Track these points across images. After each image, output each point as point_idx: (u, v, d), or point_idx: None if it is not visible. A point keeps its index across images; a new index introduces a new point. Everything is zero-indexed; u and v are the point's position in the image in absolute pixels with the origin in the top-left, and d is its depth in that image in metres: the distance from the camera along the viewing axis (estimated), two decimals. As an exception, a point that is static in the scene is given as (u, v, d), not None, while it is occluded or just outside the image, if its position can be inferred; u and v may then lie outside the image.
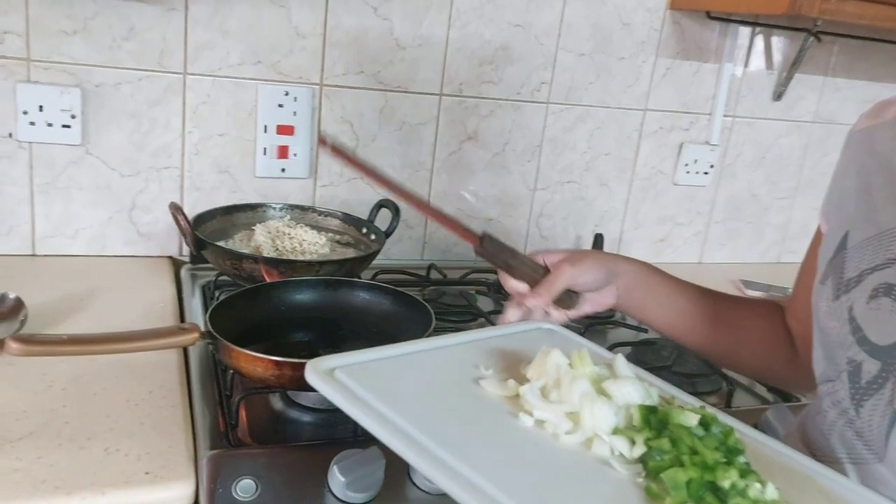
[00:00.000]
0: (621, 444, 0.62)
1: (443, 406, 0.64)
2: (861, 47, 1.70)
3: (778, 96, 1.69)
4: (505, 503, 0.51)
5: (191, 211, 1.28)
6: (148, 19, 1.23)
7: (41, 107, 1.20)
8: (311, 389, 0.86)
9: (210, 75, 1.29)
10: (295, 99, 1.34)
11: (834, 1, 1.25)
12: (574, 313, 0.88)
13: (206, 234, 1.17)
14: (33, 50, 1.19)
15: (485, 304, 1.31)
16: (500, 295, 1.36)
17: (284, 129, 1.35)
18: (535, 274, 0.86)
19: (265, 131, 1.34)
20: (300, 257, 1.13)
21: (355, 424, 0.83)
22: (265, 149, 1.35)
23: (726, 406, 1.07)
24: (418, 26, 1.38)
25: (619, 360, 0.73)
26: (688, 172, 1.68)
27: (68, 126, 1.23)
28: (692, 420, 0.63)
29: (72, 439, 0.78)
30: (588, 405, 0.64)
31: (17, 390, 0.86)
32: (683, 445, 0.60)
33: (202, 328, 0.85)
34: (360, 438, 0.83)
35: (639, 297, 0.91)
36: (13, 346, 0.71)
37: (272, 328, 0.97)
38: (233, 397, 0.89)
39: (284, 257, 1.11)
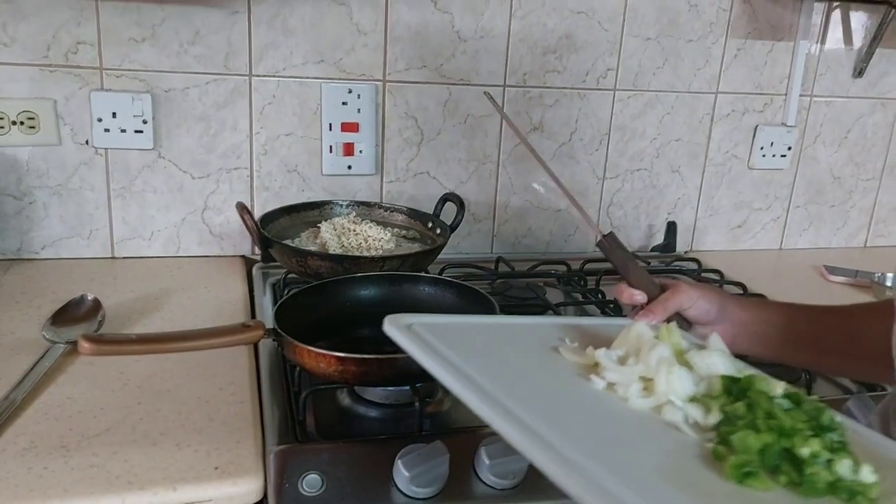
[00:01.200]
0: (695, 412, 0.61)
1: (517, 366, 0.64)
2: (951, 17, 1.60)
3: (859, 73, 1.61)
4: (562, 451, 0.50)
5: (261, 210, 1.31)
6: (212, 23, 1.26)
7: (114, 113, 1.24)
8: (376, 384, 0.87)
9: (275, 76, 1.31)
10: (358, 96, 1.34)
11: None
12: None
13: (273, 232, 1.18)
14: (105, 59, 1.23)
15: (554, 296, 1.29)
16: (570, 286, 1.34)
17: (349, 127, 1.35)
18: (652, 286, 0.85)
19: (330, 129, 1.35)
20: (365, 253, 1.13)
21: (419, 420, 0.84)
22: (331, 147, 1.36)
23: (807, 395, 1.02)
24: (479, 18, 1.37)
25: (714, 336, 0.71)
26: (764, 156, 1.61)
27: (141, 131, 1.26)
28: (777, 389, 0.61)
29: (145, 436, 0.80)
30: (664, 370, 0.63)
31: (95, 388, 0.89)
32: (760, 410, 0.57)
33: (257, 323, 0.86)
34: (426, 433, 0.83)
35: (744, 347, 0.86)
36: (84, 345, 0.74)
37: (338, 324, 0.98)
38: (300, 393, 0.90)
39: (350, 254, 1.12)
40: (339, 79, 1.34)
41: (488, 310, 0.94)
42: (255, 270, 1.30)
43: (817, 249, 1.72)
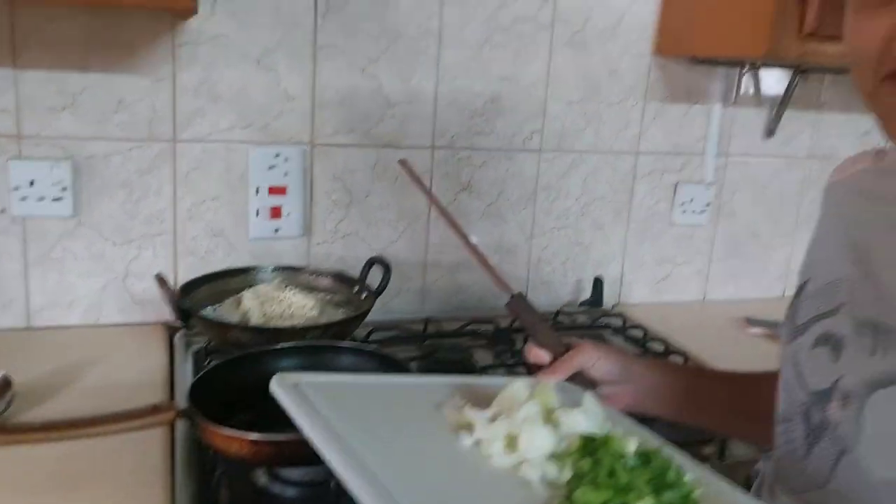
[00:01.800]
0: (552, 469, 0.63)
1: (395, 426, 0.66)
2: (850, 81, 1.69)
3: (770, 133, 1.68)
4: None
5: (185, 276, 1.29)
6: (137, 91, 1.25)
7: (32, 181, 1.22)
8: (292, 465, 0.86)
9: (200, 141, 1.31)
10: (286, 160, 1.35)
11: (813, 42, 1.25)
12: None
13: (196, 300, 1.17)
14: (24, 126, 1.21)
15: (483, 357, 1.30)
16: (500, 347, 1.35)
17: (277, 190, 1.36)
18: (558, 346, 0.87)
19: (257, 193, 1.35)
20: (288, 322, 1.13)
21: (336, 499, 0.83)
22: (258, 210, 1.36)
23: (719, 456, 1.05)
24: (407, 83, 1.39)
25: (587, 397, 0.73)
26: (684, 212, 1.67)
27: (60, 199, 1.24)
28: (629, 447, 0.63)
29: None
30: (528, 428, 0.65)
31: (4, 477, 0.86)
32: (603, 468, 0.60)
33: (169, 404, 0.85)
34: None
35: (648, 407, 0.89)
36: (-13, 435, 0.71)
37: (260, 397, 0.97)
38: (214, 473, 0.88)
39: (272, 324, 1.11)
40: (267, 143, 1.34)
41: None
42: (177, 338, 1.28)
43: (738, 301, 1.78)
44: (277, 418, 0.80)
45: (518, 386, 0.71)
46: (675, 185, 1.65)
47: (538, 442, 0.64)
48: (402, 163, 0.96)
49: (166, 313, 1.34)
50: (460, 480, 0.61)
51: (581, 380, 0.86)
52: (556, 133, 1.52)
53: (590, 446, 0.63)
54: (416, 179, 0.94)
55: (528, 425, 0.65)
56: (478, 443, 0.65)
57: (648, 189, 1.63)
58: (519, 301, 0.88)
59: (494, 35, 1.43)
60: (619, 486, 0.58)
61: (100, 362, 1.17)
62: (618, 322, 1.49)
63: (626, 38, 1.51)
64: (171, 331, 1.32)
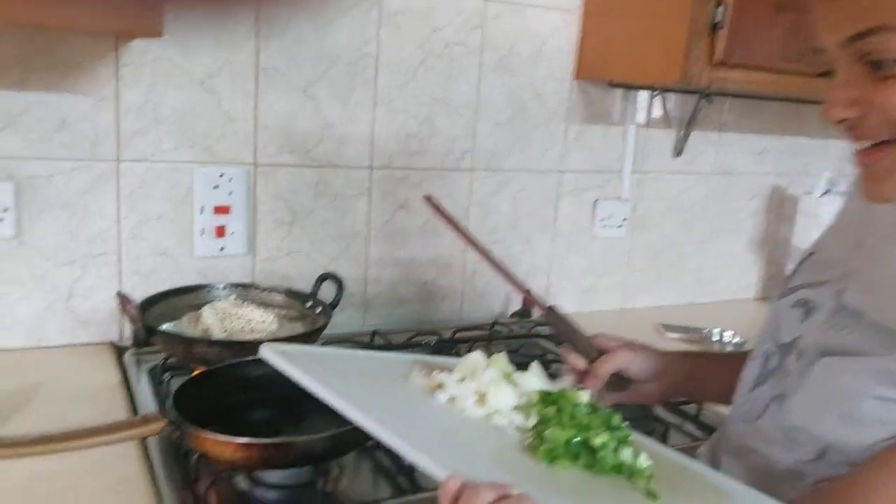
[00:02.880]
0: (518, 418, 0.76)
1: (372, 388, 0.77)
2: (749, 105, 1.86)
3: (678, 152, 1.83)
4: (415, 442, 0.63)
5: (133, 295, 1.28)
6: (79, 111, 1.25)
7: (-27, 203, 1.20)
8: (279, 467, 0.89)
9: (144, 160, 1.31)
10: (230, 179, 1.37)
11: (722, 70, 1.38)
12: (621, 398, 0.95)
13: (151, 319, 1.17)
14: (-37, 146, 1.19)
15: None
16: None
17: (221, 209, 1.37)
18: (592, 352, 0.93)
19: (202, 212, 1.36)
20: (249, 336, 1.15)
21: (322, 500, 0.87)
22: (203, 229, 1.37)
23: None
24: (345, 105, 1.44)
25: (534, 365, 0.86)
26: (605, 226, 1.78)
27: (1, 219, 1.22)
28: (582, 398, 0.78)
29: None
30: (494, 387, 0.78)
31: (-26, 495, 0.85)
32: (566, 413, 0.74)
33: (158, 414, 0.86)
34: (331, 511, 0.86)
35: (683, 393, 1.01)
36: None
37: (233, 409, 0.99)
38: (198, 482, 0.90)
39: (234, 338, 1.13)
40: (212, 163, 1.36)
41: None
42: (127, 357, 1.27)
43: (655, 308, 1.91)
44: (252, 431, 0.84)
45: (476, 356, 0.83)
46: (595, 202, 1.76)
47: (504, 397, 0.77)
48: (428, 199, 0.97)
49: (112, 333, 1.34)
50: (446, 427, 0.73)
51: (616, 379, 0.93)
52: (487, 152, 1.61)
53: (550, 398, 0.77)
54: (445, 215, 0.94)
55: (494, 384, 0.78)
56: (451, 399, 0.77)
57: (573, 205, 1.74)
58: (553, 313, 0.94)
59: (428, 59, 1.50)
60: (581, 425, 0.72)
61: (51, 384, 1.15)
62: (547, 331, 1.57)
63: (549, 62, 1.62)
64: (118, 350, 1.31)
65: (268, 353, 0.76)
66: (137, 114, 1.29)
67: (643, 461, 0.72)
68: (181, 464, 0.94)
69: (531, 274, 1.73)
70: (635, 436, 0.82)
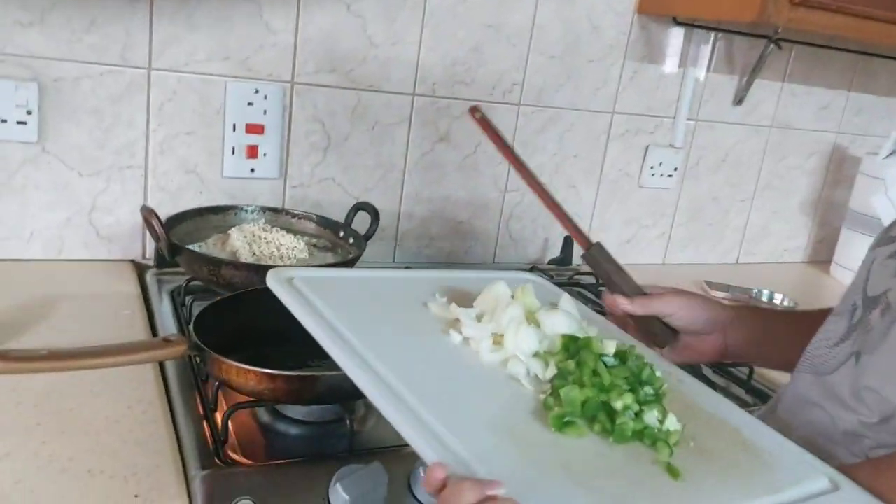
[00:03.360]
0: (536, 366, 0.68)
1: (384, 320, 0.70)
2: (816, 55, 1.74)
3: (739, 101, 1.72)
4: (410, 401, 0.58)
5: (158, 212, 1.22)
6: (110, 12, 1.17)
7: (-6, 102, 1.13)
8: (307, 402, 0.84)
9: (176, 71, 1.24)
10: (265, 97, 1.29)
11: (801, 10, 1.27)
12: (669, 354, 0.86)
13: (176, 237, 1.11)
14: (-14, 41, 1.12)
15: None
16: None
17: (254, 128, 1.30)
18: (638, 292, 0.85)
19: (234, 130, 1.29)
20: (279, 262, 1.09)
21: (350, 439, 0.81)
22: (233, 148, 1.30)
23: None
24: (391, 24, 1.35)
25: (564, 297, 0.79)
26: (653, 175, 1.69)
27: (24, 122, 1.16)
28: (608, 349, 0.69)
29: (51, 460, 0.73)
30: (513, 328, 0.69)
31: (-17, 408, 0.80)
32: (587, 368, 0.65)
33: (179, 337, 0.81)
34: (357, 452, 0.80)
35: (754, 353, 0.90)
36: (-11, 362, 0.66)
37: (256, 337, 0.93)
38: (217, 411, 0.85)
39: (263, 262, 1.07)
40: (246, 78, 1.28)
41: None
42: (149, 277, 1.22)
43: (697, 265, 1.83)
44: (274, 361, 0.78)
45: (500, 287, 0.75)
46: (647, 148, 1.66)
47: (523, 341, 0.69)
48: (474, 111, 0.89)
49: (134, 250, 1.29)
50: (454, 375, 0.66)
51: (660, 328, 0.85)
52: (536, 87, 1.51)
53: (572, 347, 0.69)
54: (492, 130, 0.88)
55: (513, 325, 0.70)
56: (466, 340, 0.70)
57: (621, 150, 1.64)
58: (599, 251, 0.86)
59: (482, -20, 1.40)
60: (601, 385, 0.64)
61: (70, 299, 1.10)
62: (590, 280, 1.50)
63: (611, -7, 1.51)
64: (139, 268, 1.25)
65: (273, 282, 0.70)
66: (171, 19, 1.21)
67: (671, 423, 0.64)
68: (200, 390, 0.88)
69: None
70: (687, 384, 0.76)
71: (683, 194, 1.76)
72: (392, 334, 0.68)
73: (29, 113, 1.15)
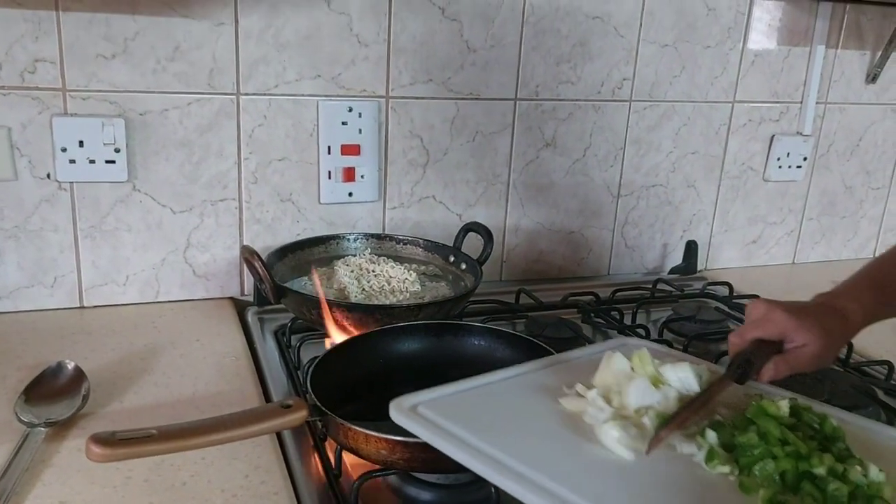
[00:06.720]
0: (712, 437, 0.63)
1: (526, 428, 0.66)
2: (960, 19, 1.55)
3: (872, 78, 1.54)
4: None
5: (251, 245, 1.15)
6: (195, 36, 1.10)
7: (81, 142, 1.07)
8: (444, 471, 0.73)
9: (266, 94, 1.15)
10: (360, 115, 1.20)
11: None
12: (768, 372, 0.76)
13: (278, 275, 1.03)
14: (69, 78, 1.05)
15: (585, 330, 1.16)
16: (602, 320, 1.21)
17: (350, 149, 1.21)
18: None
19: (329, 152, 1.20)
20: (390, 297, 0.99)
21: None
22: (330, 172, 1.21)
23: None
24: (490, 26, 1.24)
25: (666, 368, 0.72)
26: (780, 167, 1.53)
27: (112, 161, 1.09)
28: (783, 409, 0.64)
29: (168, 550, 0.65)
30: (649, 416, 0.65)
31: (93, 485, 0.72)
32: (772, 437, 0.60)
33: (299, 400, 0.71)
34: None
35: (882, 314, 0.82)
36: (95, 450, 0.58)
37: (369, 382, 0.84)
38: (341, 476, 0.75)
39: (374, 300, 0.97)
40: (338, 96, 1.19)
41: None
42: (250, 316, 1.14)
43: (829, 262, 1.65)
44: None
45: (617, 362, 0.72)
46: (772, 138, 1.50)
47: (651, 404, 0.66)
48: None
49: (232, 287, 1.21)
50: (623, 471, 0.60)
51: (765, 346, 0.75)
52: (648, 80, 1.38)
53: (744, 418, 0.64)
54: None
55: (649, 414, 0.65)
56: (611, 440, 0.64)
57: (743, 142, 1.49)
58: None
59: (584, -30, 1.27)
60: (798, 454, 0.59)
61: (171, 346, 1.03)
62: (723, 290, 1.35)
63: (726, -29, 1.36)
64: (238, 306, 1.18)
65: (397, 415, 0.64)
66: (258, 40, 1.13)
67: (875, 475, 0.58)
68: (320, 452, 0.79)
69: (693, 224, 1.50)
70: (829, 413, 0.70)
71: (813, 186, 1.59)
72: (540, 443, 0.63)
73: (117, 151, 1.09)
